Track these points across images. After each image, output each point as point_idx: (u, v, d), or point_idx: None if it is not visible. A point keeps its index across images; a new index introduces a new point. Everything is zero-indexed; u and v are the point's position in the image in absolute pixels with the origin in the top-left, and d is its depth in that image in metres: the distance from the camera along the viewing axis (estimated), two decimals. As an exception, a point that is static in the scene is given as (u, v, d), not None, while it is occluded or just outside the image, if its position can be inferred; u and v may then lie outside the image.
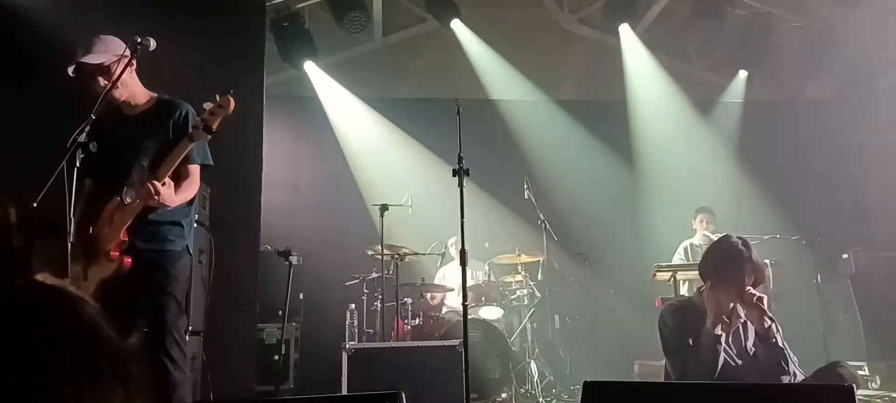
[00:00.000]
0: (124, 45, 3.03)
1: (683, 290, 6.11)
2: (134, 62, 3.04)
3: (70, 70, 2.99)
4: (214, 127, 2.79)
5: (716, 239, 6.28)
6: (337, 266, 6.40)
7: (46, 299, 0.46)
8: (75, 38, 3.07)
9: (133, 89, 3.11)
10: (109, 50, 3.02)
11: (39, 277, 0.47)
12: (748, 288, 2.71)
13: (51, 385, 0.43)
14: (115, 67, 2.98)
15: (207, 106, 2.79)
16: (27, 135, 4.07)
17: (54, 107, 3.35)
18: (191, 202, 3.16)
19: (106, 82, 2.98)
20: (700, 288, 2.89)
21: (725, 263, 2.76)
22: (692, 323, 2.80)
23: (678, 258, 6.43)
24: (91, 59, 2.97)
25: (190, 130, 2.87)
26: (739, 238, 2.82)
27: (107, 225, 2.95)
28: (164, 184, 2.84)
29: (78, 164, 2.70)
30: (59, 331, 0.45)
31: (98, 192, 3.09)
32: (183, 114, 3.09)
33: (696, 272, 6.01)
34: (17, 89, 4.36)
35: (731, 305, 2.73)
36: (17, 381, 0.42)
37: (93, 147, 2.78)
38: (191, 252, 3.18)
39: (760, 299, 2.69)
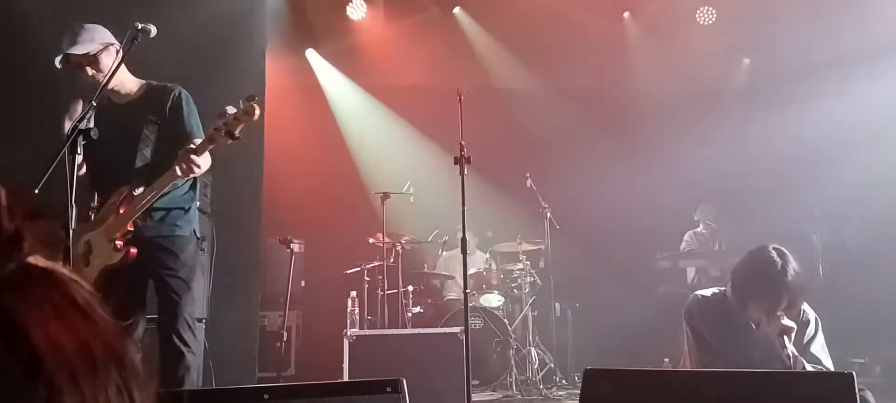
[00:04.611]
0: (110, 33, 3.02)
1: (689, 278, 6.12)
2: (119, 49, 3.00)
3: (57, 61, 2.97)
4: (237, 132, 2.78)
5: (716, 226, 6.30)
6: (339, 253, 6.40)
7: (38, 281, 0.45)
8: (70, 24, 3.06)
9: (121, 77, 3.08)
10: (95, 39, 3.00)
11: (31, 259, 0.47)
12: (779, 313, 2.47)
13: (43, 368, 0.43)
14: (101, 56, 2.98)
15: (231, 110, 2.77)
16: (27, 123, 4.07)
17: (54, 93, 3.34)
18: (194, 188, 3.17)
19: (94, 71, 2.97)
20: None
21: (759, 282, 2.49)
22: (723, 319, 2.61)
23: (686, 244, 6.43)
24: (77, 49, 2.96)
25: (211, 130, 2.86)
26: (777, 250, 2.50)
27: (113, 214, 2.96)
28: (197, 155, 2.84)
29: (79, 151, 2.70)
30: (52, 314, 0.45)
31: (95, 180, 3.09)
32: (176, 96, 3.10)
33: (701, 260, 6.04)
34: (16, 77, 4.35)
35: (757, 320, 2.55)
36: (9, 364, 0.42)
37: (93, 134, 2.78)
38: (198, 235, 3.19)
39: (787, 329, 2.47)
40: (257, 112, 2.76)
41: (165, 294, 2.97)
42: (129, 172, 3.01)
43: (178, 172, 2.85)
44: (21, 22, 4.47)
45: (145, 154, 3.04)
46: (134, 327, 2.91)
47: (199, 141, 2.90)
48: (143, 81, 3.19)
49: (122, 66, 3.08)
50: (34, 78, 4.16)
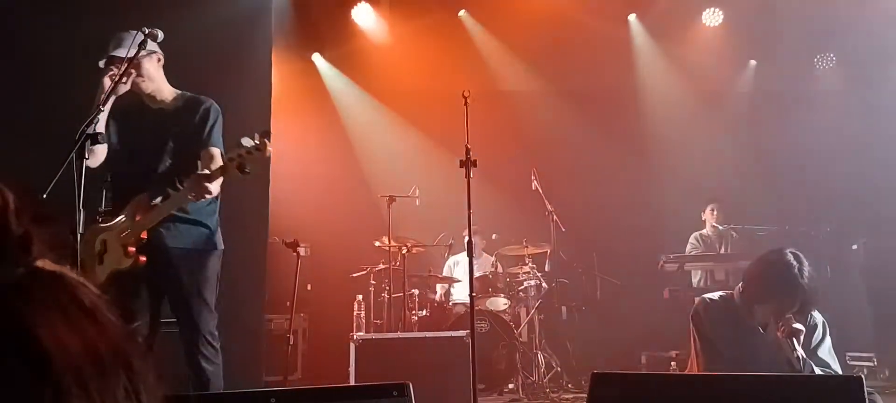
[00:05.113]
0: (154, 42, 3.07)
1: (694, 280, 6.09)
2: (161, 57, 3.10)
3: (101, 62, 3.02)
4: (248, 168, 2.81)
5: (722, 228, 6.29)
6: (344, 257, 6.41)
7: (46, 284, 0.46)
8: (87, 29, 3.09)
9: (158, 84, 3.14)
10: (137, 45, 3.05)
11: (40, 263, 0.47)
12: (790, 316, 2.49)
13: (51, 370, 0.43)
14: (143, 61, 3.03)
15: (246, 143, 2.79)
16: (34, 125, 4.09)
17: (64, 96, 3.36)
18: (216, 198, 3.19)
19: (137, 76, 3.02)
20: (739, 286, 2.68)
21: (775, 283, 2.52)
22: (730, 322, 2.61)
23: (691, 247, 6.41)
24: (120, 52, 3.00)
25: (225, 160, 2.90)
26: (793, 253, 2.53)
27: (130, 220, 2.97)
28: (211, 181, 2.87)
29: (87, 155, 2.72)
30: (60, 317, 0.45)
31: (118, 182, 3.12)
32: (205, 109, 3.13)
33: (708, 263, 6.01)
34: (26, 80, 4.37)
35: (765, 323, 2.55)
36: (17, 366, 0.42)
37: (114, 139, 2.82)
38: (218, 247, 3.20)
39: (796, 332, 2.47)
40: (269, 150, 2.80)
41: (185, 310, 3.00)
42: (152, 178, 3.04)
43: (190, 196, 2.89)
44: (31, 26, 4.50)
45: (167, 162, 3.07)
46: (151, 332, 2.94)
47: (213, 166, 2.94)
48: (179, 92, 3.22)
49: (161, 72, 3.14)
50: (44, 80, 4.19)
